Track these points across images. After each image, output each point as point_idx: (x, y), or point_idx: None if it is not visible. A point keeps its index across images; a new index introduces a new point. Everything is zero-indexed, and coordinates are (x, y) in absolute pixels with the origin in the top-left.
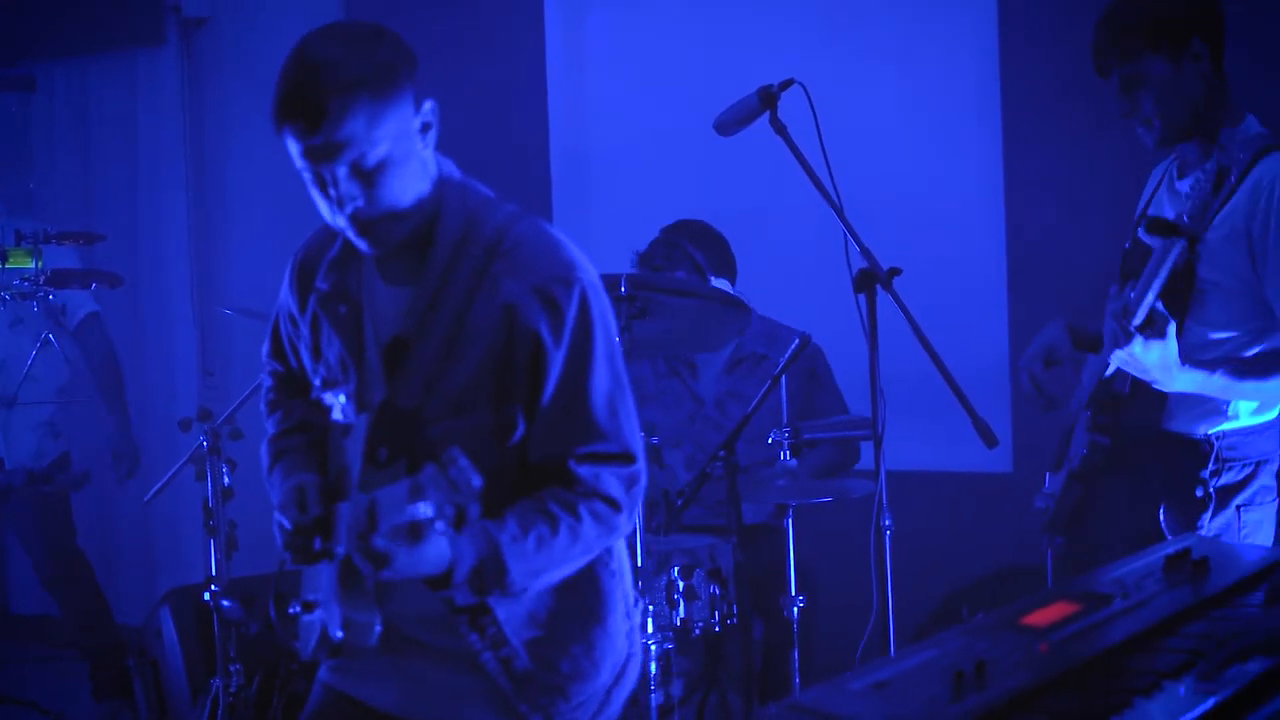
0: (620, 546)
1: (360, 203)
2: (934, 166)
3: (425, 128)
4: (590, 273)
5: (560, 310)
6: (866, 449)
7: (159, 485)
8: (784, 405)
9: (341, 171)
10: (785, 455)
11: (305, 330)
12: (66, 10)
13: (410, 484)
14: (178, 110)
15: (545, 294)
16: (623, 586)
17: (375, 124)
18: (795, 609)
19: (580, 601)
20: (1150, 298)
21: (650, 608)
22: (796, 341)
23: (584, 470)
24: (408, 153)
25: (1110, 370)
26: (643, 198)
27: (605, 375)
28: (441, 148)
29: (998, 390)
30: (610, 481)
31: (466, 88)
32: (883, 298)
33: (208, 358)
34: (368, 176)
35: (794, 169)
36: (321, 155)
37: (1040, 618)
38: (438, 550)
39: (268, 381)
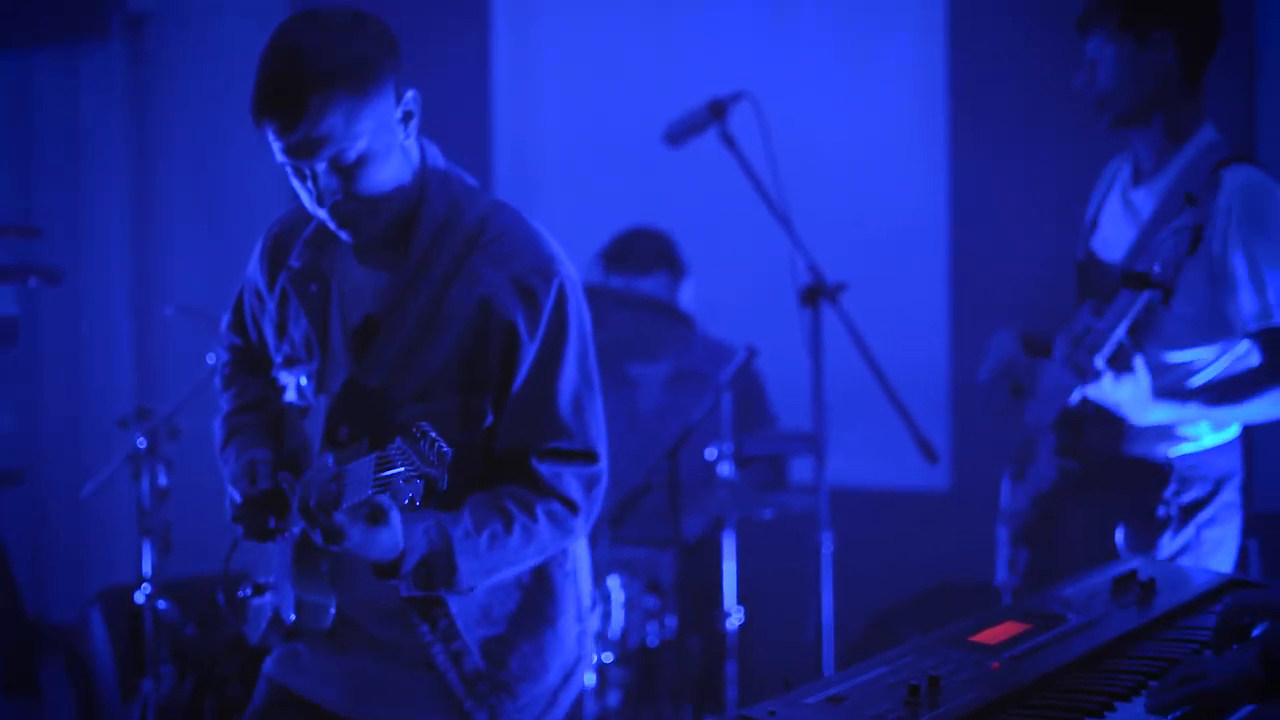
0: (577, 549)
1: (340, 196)
2: (879, 178)
3: (407, 117)
4: (569, 268)
5: (537, 302)
6: (796, 465)
7: (96, 482)
8: (724, 418)
9: (321, 167)
10: (725, 468)
11: (272, 307)
12: (8, 1)
13: (378, 455)
14: (121, 105)
15: (523, 285)
16: (576, 589)
17: (354, 119)
18: (732, 622)
19: (532, 601)
20: (1119, 334)
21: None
22: (744, 354)
23: (545, 468)
24: (388, 145)
25: (1075, 400)
26: (586, 206)
27: (574, 372)
28: None
29: (937, 406)
30: (570, 482)
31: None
32: (825, 310)
33: (144, 354)
34: (347, 171)
35: (739, 179)
36: (300, 151)
37: (990, 636)
38: (391, 537)
39: (224, 356)
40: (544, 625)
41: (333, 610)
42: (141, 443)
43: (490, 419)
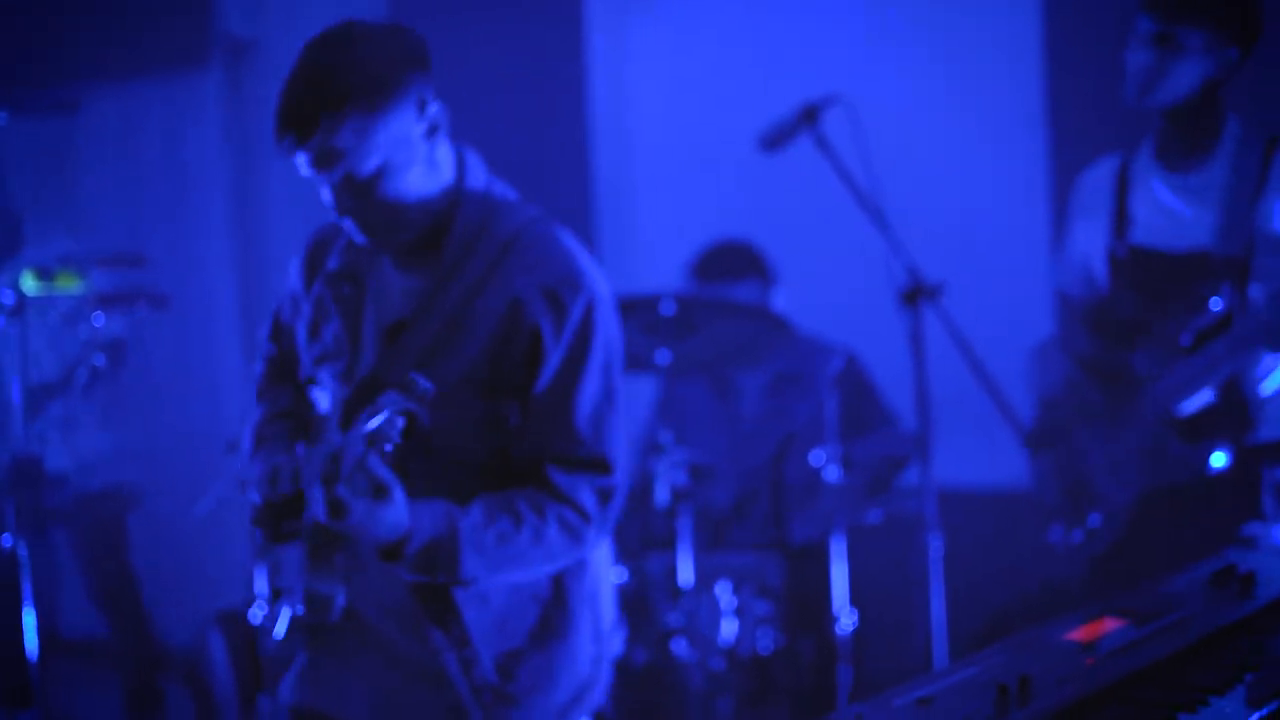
0: (599, 569)
1: (356, 207)
2: (977, 176)
3: (432, 131)
4: (602, 286)
5: (565, 311)
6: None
7: (208, 501)
8: (828, 422)
9: (336, 179)
10: (832, 472)
11: (307, 308)
12: (111, 31)
13: (369, 408)
14: (223, 132)
15: (552, 294)
16: (594, 611)
17: (365, 135)
18: (844, 627)
19: (547, 615)
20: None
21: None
22: (839, 363)
23: (560, 476)
24: (407, 159)
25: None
26: (686, 212)
27: (596, 385)
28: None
29: None
30: (584, 492)
31: (506, 103)
32: (925, 311)
33: (252, 379)
34: (362, 185)
35: (836, 183)
36: (316, 165)
37: (1086, 633)
38: (395, 515)
39: (260, 367)
40: (555, 640)
41: (340, 601)
42: None
43: (512, 423)
